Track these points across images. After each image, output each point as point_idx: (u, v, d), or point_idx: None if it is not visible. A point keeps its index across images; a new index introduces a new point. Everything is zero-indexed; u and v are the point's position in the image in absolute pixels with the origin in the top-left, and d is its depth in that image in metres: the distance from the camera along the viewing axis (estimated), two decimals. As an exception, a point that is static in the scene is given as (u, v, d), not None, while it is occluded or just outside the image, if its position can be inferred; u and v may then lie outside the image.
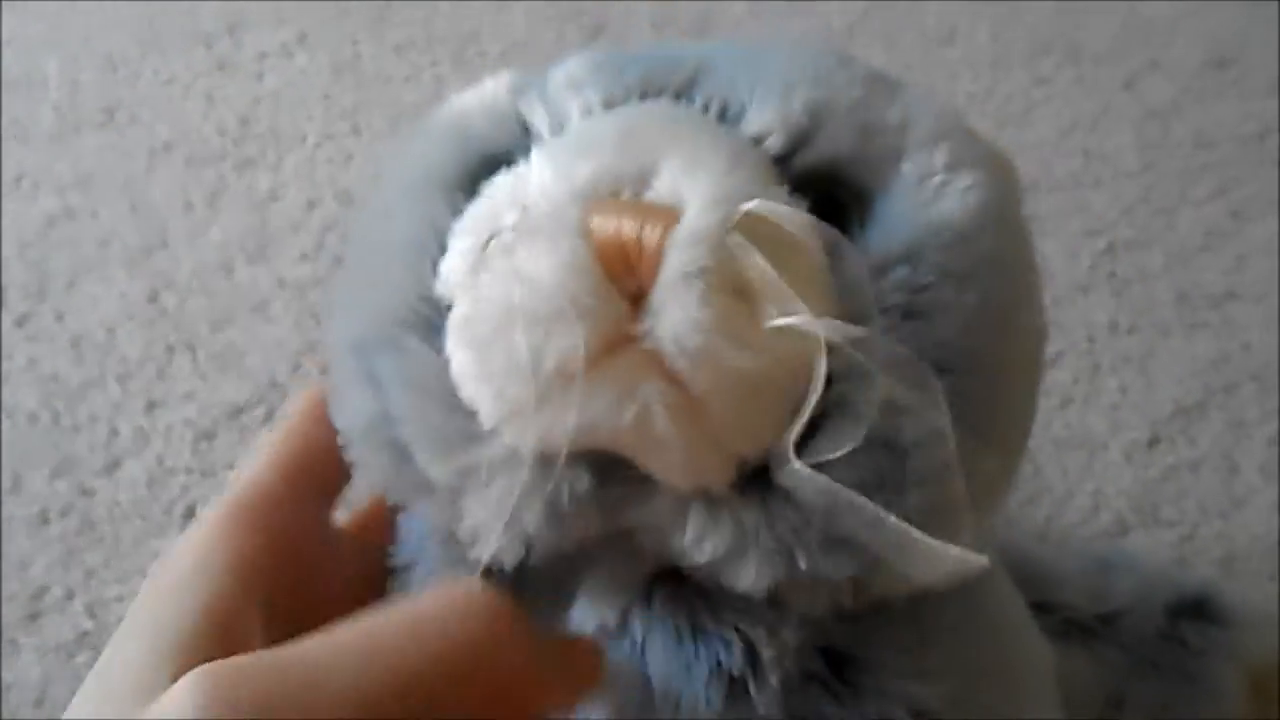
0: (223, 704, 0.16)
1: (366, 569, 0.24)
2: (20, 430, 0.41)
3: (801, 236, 0.18)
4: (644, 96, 0.21)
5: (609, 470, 0.19)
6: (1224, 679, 0.31)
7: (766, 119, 0.20)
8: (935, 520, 0.18)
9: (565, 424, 0.17)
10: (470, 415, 0.19)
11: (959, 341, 0.19)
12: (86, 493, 0.40)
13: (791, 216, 0.18)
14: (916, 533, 0.17)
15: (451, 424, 0.19)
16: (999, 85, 0.59)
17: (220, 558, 0.20)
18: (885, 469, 0.18)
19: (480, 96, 0.22)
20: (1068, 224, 0.52)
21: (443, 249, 0.20)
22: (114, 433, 0.41)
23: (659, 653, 0.21)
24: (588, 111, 0.21)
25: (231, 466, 0.41)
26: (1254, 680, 0.31)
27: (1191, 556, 0.40)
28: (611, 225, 0.18)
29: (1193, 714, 0.31)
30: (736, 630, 0.20)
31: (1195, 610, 0.32)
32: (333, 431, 0.22)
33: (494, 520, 0.19)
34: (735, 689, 0.20)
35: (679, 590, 0.21)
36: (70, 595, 0.37)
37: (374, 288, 0.21)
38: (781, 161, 0.20)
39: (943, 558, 0.18)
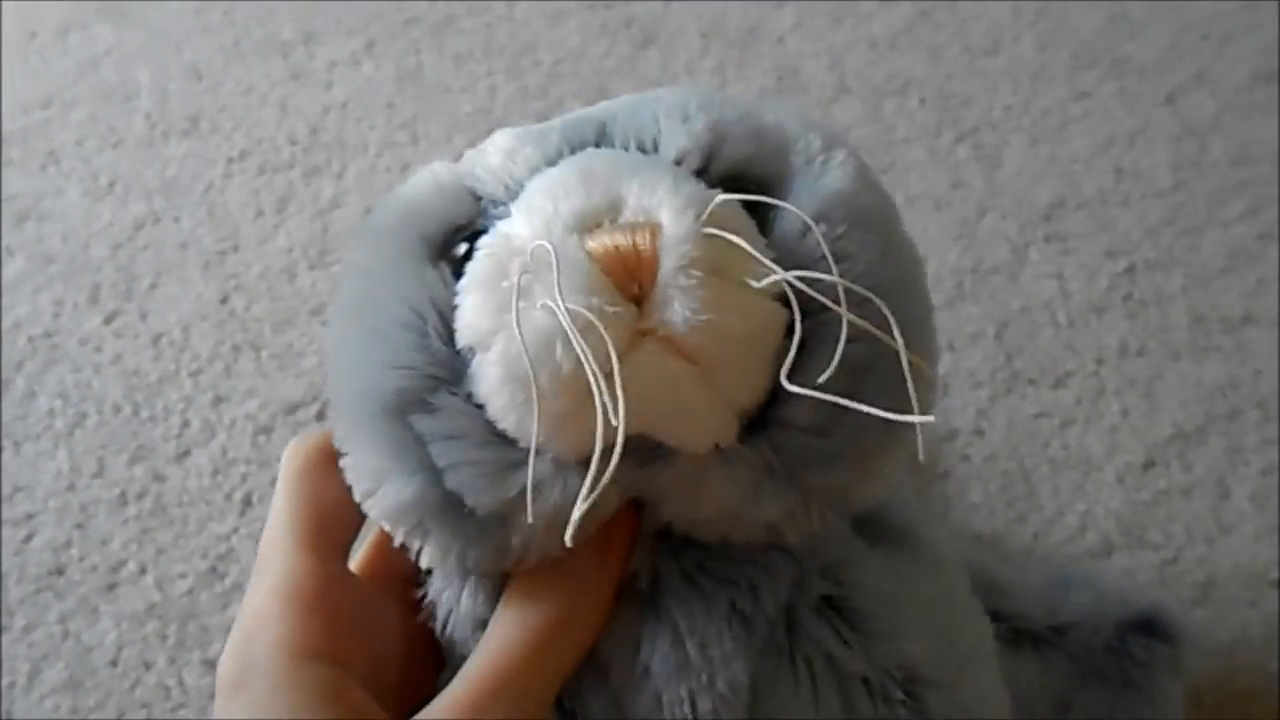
0: None
1: (398, 610, 0.26)
2: (105, 419, 0.47)
3: (746, 219, 0.23)
4: (573, 151, 0.25)
5: (632, 451, 0.22)
6: (1166, 689, 0.34)
7: (680, 144, 0.24)
8: (900, 410, 0.21)
9: (615, 416, 0.20)
10: (512, 444, 0.22)
11: (877, 273, 0.23)
12: (159, 478, 0.45)
13: (738, 209, 0.23)
14: (893, 416, 0.21)
15: (498, 456, 0.22)
16: (1037, 99, 0.60)
17: (302, 663, 0.23)
18: (855, 385, 0.22)
19: (426, 182, 0.26)
20: (1090, 244, 0.53)
21: (442, 315, 0.23)
22: (185, 424, 0.46)
23: (680, 599, 0.24)
24: (535, 170, 0.24)
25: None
26: (1191, 694, 0.34)
27: (1172, 579, 0.41)
28: (607, 245, 0.21)
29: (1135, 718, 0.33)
30: (741, 575, 0.24)
31: (1144, 627, 0.34)
32: (334, 483, 0.25)
33: (550, 526, 0.22)
34: (751, 628, 0.24)
35: (684, 547, 0.25)
36: (143, 570, 0.42)
37: (388, 363, 0.23)
38: (698, 174, 0.24)
39: (911, 432, 0.21)
